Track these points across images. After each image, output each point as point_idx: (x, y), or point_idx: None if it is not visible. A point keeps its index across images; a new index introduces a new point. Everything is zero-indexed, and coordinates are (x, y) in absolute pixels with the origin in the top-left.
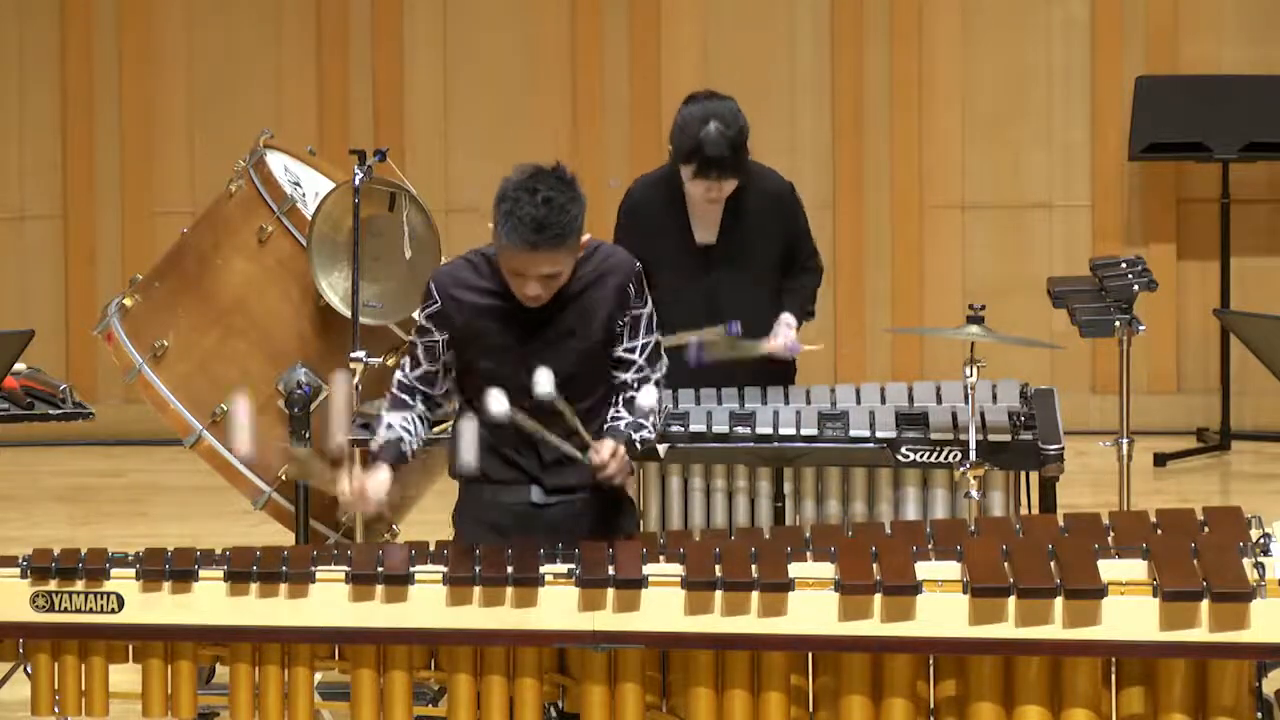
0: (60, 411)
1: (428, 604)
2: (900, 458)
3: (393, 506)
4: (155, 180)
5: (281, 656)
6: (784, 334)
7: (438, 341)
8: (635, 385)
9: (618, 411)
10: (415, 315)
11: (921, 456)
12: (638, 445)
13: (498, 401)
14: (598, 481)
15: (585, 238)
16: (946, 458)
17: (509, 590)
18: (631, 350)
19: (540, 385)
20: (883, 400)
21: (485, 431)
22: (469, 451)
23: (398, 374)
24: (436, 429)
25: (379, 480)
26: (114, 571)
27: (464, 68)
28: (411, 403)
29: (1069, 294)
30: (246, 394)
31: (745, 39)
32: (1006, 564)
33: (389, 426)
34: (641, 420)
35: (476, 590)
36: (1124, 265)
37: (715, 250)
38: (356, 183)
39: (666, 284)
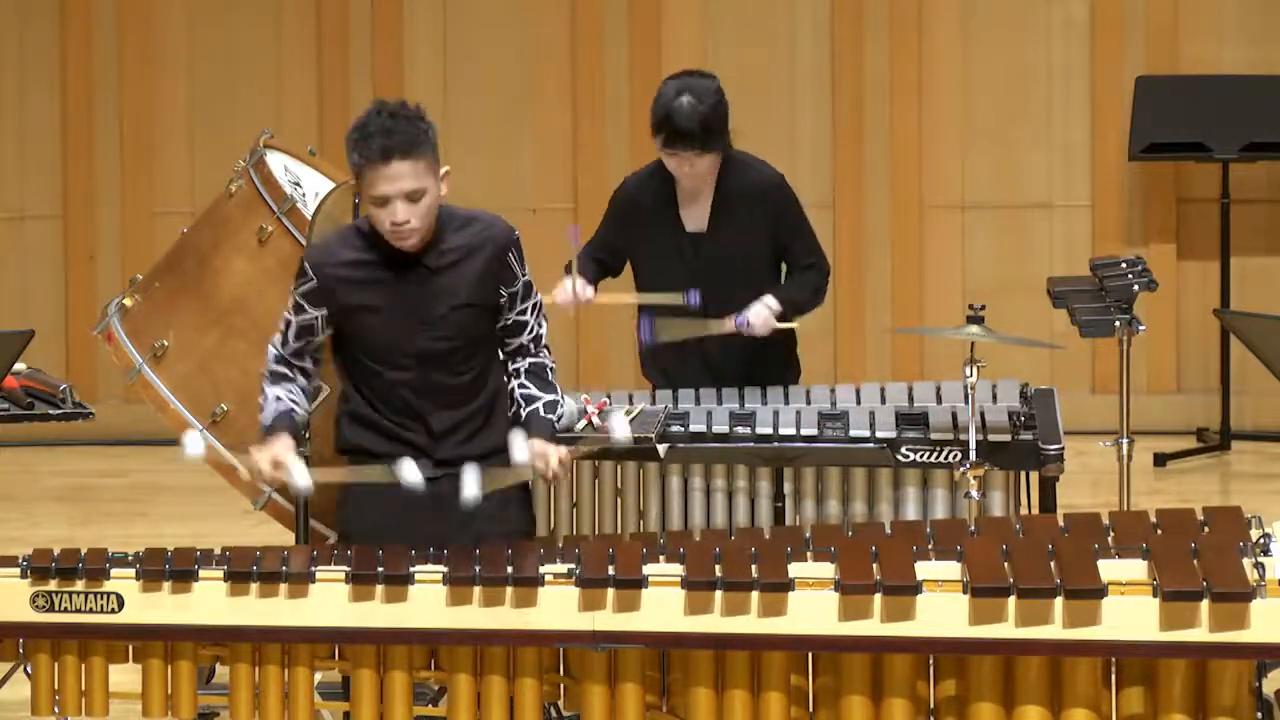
0: (60, 411)
1: (428, 604)
2: (900, 458)
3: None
4: (155, 180)
5: (281, 656)
6: (753, 311)
7: (315, 319)
8: (530, 344)
9: (525, 386)
10: (290, 292)
11: (921, 456)
12: (557, 426)
13: (411, 471)
14: (489, 451)
15: (445, 169)
16: (946, 458)
17: (509, 590)
18: (524, 313)
19: (467, 489)
20: (883, 400)
21: (362, 412)
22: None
23: (271, 350)
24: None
25: (285, 446)
26: (114, 571)
27: (464, 68)
28: (291, 375)
29: (1069, 294)
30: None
31: (745, 39)
32: (1006, 564)
33: (276, 399)
34: (553, 396)
35: (476, 590)
36: (1124, 265)
37: (705, 239)
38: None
39: (657, 273)
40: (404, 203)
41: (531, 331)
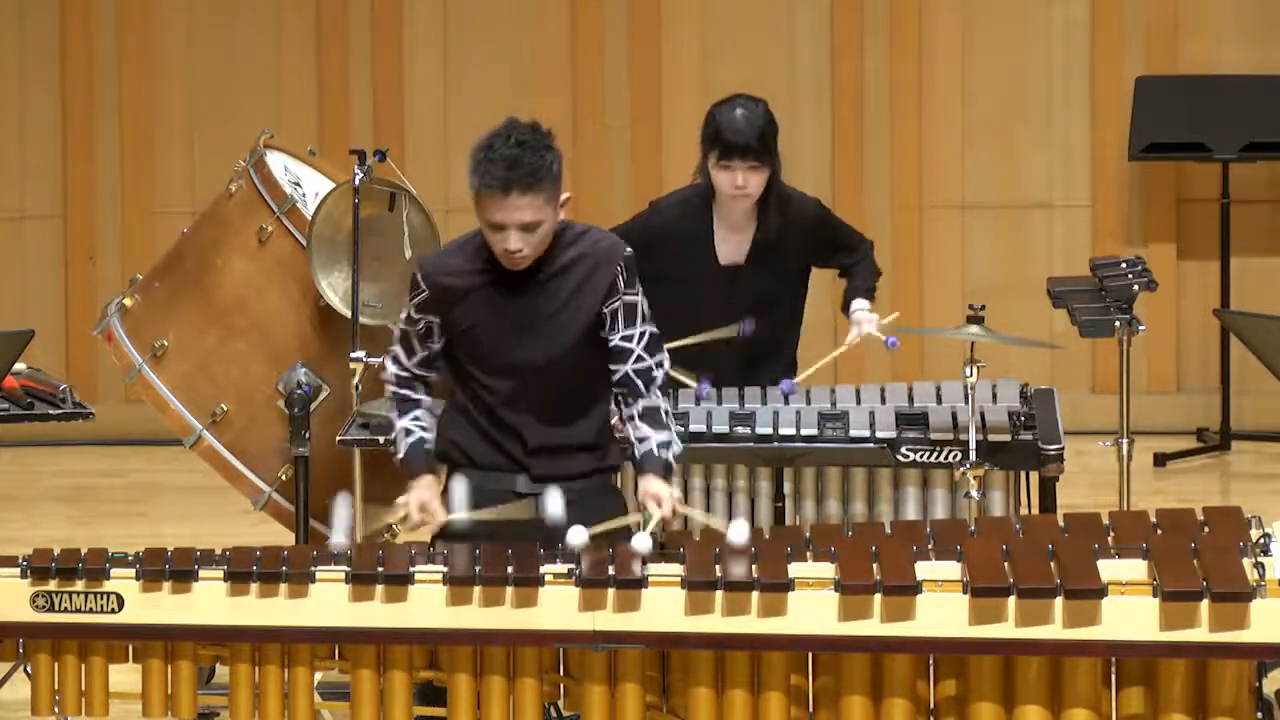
0: (60, 411)
1: (428, 604)
2: (900, 458)
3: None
4: (155, 180)
5: (281, 656)
6: (866, 322)
7: (433, 323)
8: (636, 377)
9: (637, 428)
10: (404, 303)
11: (921, 456)
12: (674, 464)
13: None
14: (587, 471)
15: (565, 196)
16: (946, 458)
17: (509, 590)
18: (628, 339)
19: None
20: (883, 400)
21: (466, 418)
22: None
23: (393, 369)
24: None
25: (430, 489)
26: (114, 571)
27: (464, 68)
28: (417, 397)
29: (1069, 294)
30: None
31: (745, 39)
32: (1006, 564)
33: (407, 432)
34: (666, 436)
35: (476, 590)
36: (1124, 265)
37: (742, 272)
38: (356, 183)
39: (690, 304)
40: (519, 232)
41: (640, 362)
